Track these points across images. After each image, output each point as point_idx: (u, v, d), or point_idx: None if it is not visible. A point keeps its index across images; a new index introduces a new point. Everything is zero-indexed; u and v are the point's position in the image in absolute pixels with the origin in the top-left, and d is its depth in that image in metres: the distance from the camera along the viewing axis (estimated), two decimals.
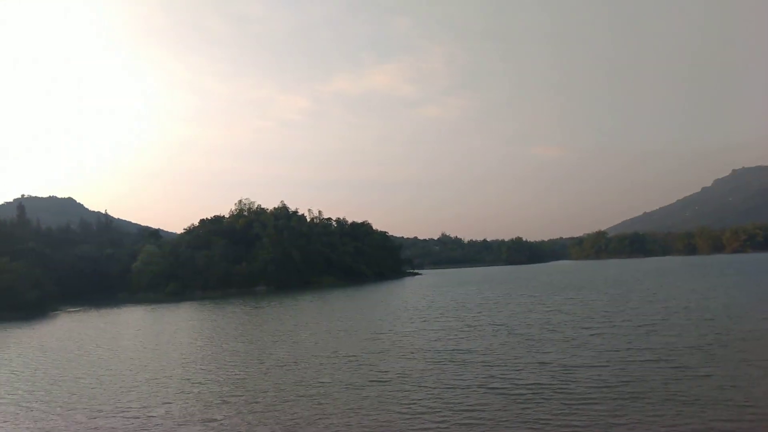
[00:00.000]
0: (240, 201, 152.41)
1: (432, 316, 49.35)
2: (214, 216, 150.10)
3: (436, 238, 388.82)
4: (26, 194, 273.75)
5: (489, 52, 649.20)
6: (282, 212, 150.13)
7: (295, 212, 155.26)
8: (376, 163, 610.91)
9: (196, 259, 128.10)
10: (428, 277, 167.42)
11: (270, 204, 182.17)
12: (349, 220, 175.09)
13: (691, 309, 43.02)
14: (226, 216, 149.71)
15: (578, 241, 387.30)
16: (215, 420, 19.22)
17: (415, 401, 20.13)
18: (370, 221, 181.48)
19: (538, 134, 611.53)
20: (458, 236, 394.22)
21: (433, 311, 53.52)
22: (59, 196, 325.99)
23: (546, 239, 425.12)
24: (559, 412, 17.92)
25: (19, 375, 30.97)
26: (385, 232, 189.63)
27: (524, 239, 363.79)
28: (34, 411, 22.07)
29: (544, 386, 21.20)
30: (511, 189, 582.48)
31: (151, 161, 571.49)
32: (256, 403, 21.29)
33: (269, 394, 22.54)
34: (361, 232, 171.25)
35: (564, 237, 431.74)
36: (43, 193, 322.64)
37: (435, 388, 21.92)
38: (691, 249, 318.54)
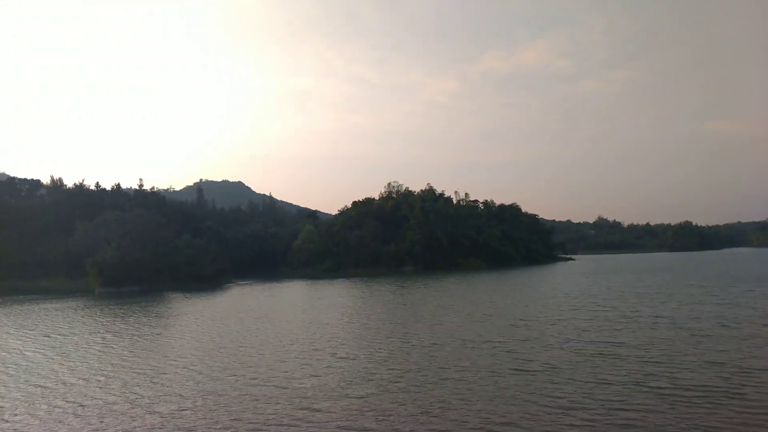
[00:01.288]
0: (389, 184, 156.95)
1: (584, 304, 46.29)
2: (365, 198, 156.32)
3: (591, 222, 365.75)
4: (204, 179, 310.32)
5: (657, 20, 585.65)
6: (429, 194, 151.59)
7: (442, 194, 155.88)
8: (528, 143, 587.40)
9: (348, 238, 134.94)
10: (582, 262, 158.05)
11: (417, 186, 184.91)
12: (497, 202, 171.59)
13: None
14: (376, 198, 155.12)
15: (761, 226, 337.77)
16: (360, 396, 19.81)
17: (562, 395, 18.86)
18: (519, 204, 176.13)
19: (712, 108, 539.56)
20: (617, 220, 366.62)
21: (586, 299, 50.18)
22: (231, 180, 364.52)
23: (721, 224, 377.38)
24: (734, 421, 15.56)
25: (192, 340, 35.01)
26: (535, 215, 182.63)
27: (694, 223, 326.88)
28: (197, 375, 24.66)
29: (714, 390, 18.62)
30: (679, 168, 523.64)
31: (309, 148, 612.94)
32: (398, 382, 21.56)
33: (411, 375, 22.73)
34: (509, 214, 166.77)
35: (743, 222, 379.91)
36: (218, 178, 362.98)
37: (585, 382, 20.37)
38: None
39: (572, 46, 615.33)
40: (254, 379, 23.12)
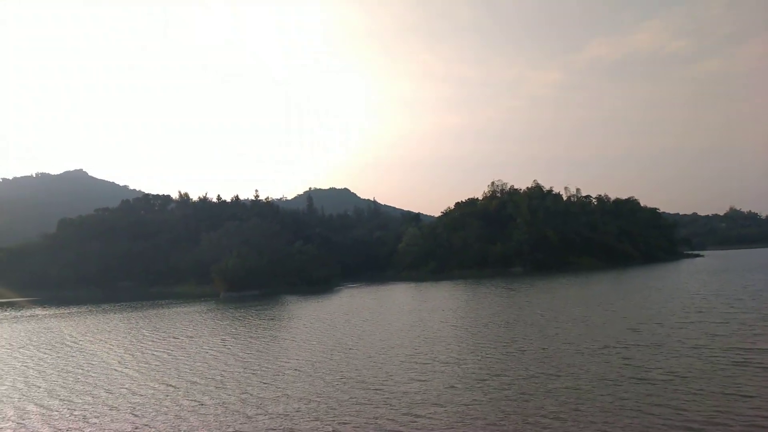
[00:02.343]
0: (492, 183, 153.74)
1: (714, 305, 41.86)
2: (468, 199, 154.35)
3: (722, 214, 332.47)
4: (312, 187, 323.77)
5: None
6: (536, 192, 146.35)
7: (550, 191, 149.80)
8: (643, 133, 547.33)
9: (452, 240, 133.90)
10: (711, 259, 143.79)
11: (523, 184, 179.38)
12: (612, 196, 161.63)
13: None
14: (480, 198, 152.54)
15: None
16: (464, 404, 19.24)
17: (689, 409, 17.04)
18: (636, 197, 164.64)
19: None
20: (752, 210, 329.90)
21: (716, 300, 45.36)
22: (337, 187, 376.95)
23: None
24: None
25: (303, 342, 36.16)
26: (655, 209, 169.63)
27: None
28: (306, 376, 25.33)
29: None
30: None
31: (410, 152, 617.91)
32: (505, 390, 20.68)
33: (519, 383, 21.74)
34: (625, 209, 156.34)
35: None
36: (325, 186, 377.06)
37: (719, 395, 18.25)
38: None
39: (690, 24, 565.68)
40: (360, 382, 23.38)
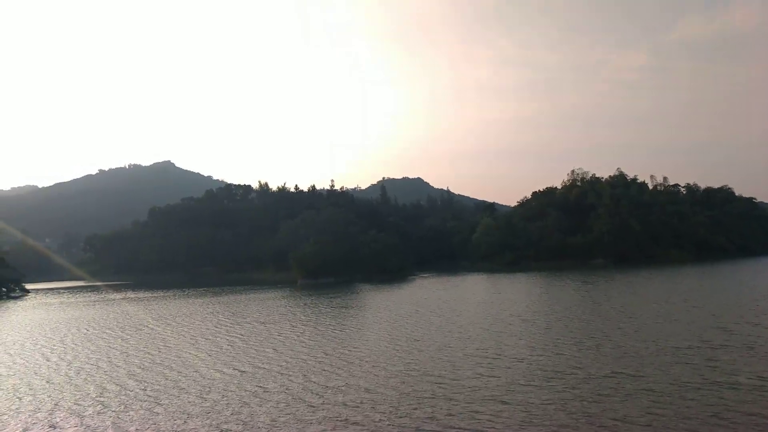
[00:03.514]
0: (572, 171, 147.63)
1: None
2: (547, 188, 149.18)
3: None
4: (386, 177, 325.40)
5: None
6: (619, 180, 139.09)
7: (634, 180, 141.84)
8: (737, 117, 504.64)
9: (529, 230, 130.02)
10: None
11: (605, 173, 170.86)
12: (702, 185, 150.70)
13: None
14: (559, 187, 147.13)
15: None
16: (529, 402, 18.37)
17: None
18: (730, 186, 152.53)
19: None
20: None
21: None
22: (410, 177, 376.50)
23: None
24: None
25: (370, 333, 36.29)
26: (752, 198, 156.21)
27: None
28: (370, 367, 25.22)
29: None
30: None
31: (485, 140, 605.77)
32: (575, 390, 19.57)
33: (591, 383, 20.51)
34: (718, 198, 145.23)
35: None
36: (399, 175, 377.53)
37: None
38: None
39: None
40: (424, 374, 22.97)
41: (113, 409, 19.93)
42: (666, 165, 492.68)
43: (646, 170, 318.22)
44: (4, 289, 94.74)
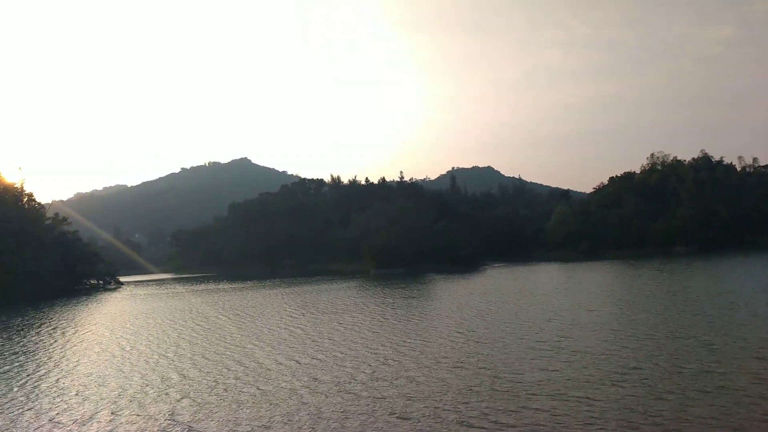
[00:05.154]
0: (652, 155, 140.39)
1: None
2: (624, 173, 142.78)
3: None
4: (455, 166, 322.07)
5: None
6: (703, 163, 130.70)
7: (720, 162, 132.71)
8: None
9: (606, 217, 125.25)
10: None
11: (688, 155, 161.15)
12: None
13: None
14: (637, 172, 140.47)
15: None
16: (594, 398, 17.38)
17: None
18: None
19: None
20: None
21: None
22: (480, 165, 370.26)
23: None
24: None
25: (438, 323, 36.11)
26: None
27: None
28: (427, 360, 25.01)
29: None
30: None
31: (558, 125, 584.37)
32: (640, 387, 18.37)
33: (666, 381, 19.19)
34: None
35: None
36: (468, 165, 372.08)
37: None
38: None
39: None
40: (480, 368, 22.43)
41: (171, 398, 20.85)
42: (757, 145, 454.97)
43: (733, 152, 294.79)
44: (100, 282, 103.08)
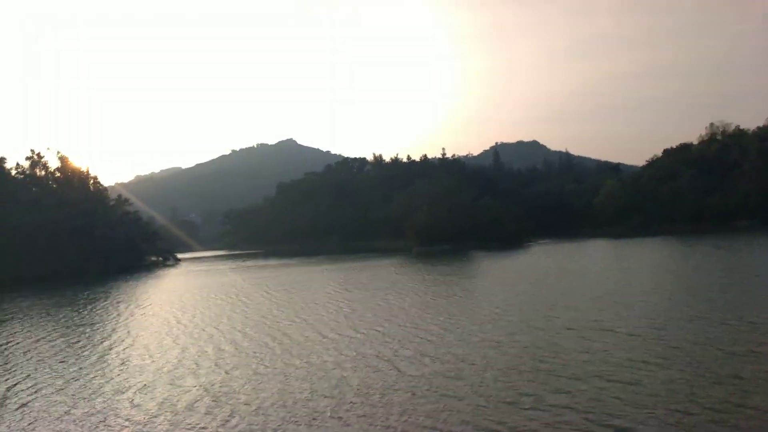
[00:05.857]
0: (711, 124, 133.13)
1: None
2: (680, 144, 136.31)
3: None
4: (499, 142, 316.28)
5: None
6: None
7: None
8: None
9: (660, 191, 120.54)
10: None
11: (752, 124, 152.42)
12: None
13: None
14: (695, 143, 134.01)
15: None
16: (638, 382, 16.93)
17: None
18: None
19: None
20: None
21: None
22: (525, 140, 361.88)
23: None
24: None
25: (471, 302, 36.18)
26: None
27: None
28: (472, 337, 25.10)
29: None
30: None
31: (607, 96, 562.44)
32: (695, 370, 17.95)
33: (714, 363, 18.62)
34: None
35: None
36: (512, 139, 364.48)
37: None
38: None
39: None
40: (527, 347, 21.99)
41: (224, 369, 21.77)
42: None
43: None
44: (160, 259, 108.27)
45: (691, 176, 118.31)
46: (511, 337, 24.03)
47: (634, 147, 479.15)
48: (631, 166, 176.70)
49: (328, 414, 16.16)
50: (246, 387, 19.23)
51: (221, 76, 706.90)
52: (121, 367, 23.37)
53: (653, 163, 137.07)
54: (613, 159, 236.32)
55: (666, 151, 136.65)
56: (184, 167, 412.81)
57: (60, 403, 18.74)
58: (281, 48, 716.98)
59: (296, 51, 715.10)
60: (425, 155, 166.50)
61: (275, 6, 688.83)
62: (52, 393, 19.92)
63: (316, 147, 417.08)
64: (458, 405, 16.08)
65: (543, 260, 64.55)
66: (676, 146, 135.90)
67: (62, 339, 30.78)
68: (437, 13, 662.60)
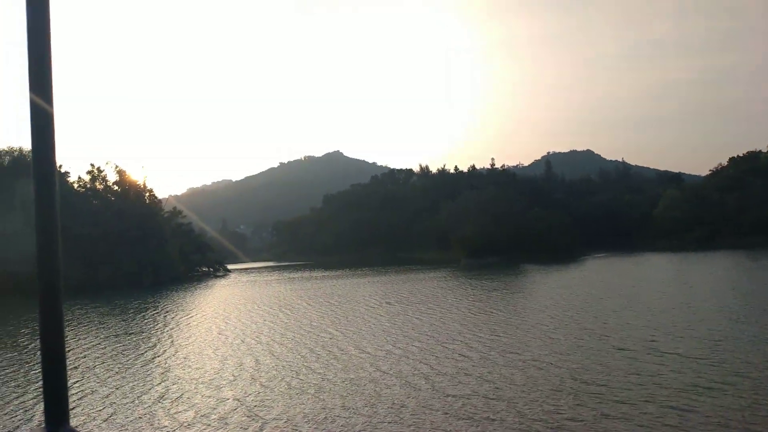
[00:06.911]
0: None
1: None
2: (748, 152, 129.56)
3: None
4: (551, 151, 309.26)
5: None
6: None
7: None
8: None
9: (725, 202, 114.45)
10: None
11: None
12: None
13: None
14: (764, 150, 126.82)
15: None
16: (692, 409, 15.97)
17: None
18: None
19: None
20: None
21: None
22: (579, 149, 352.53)
23: None
24: None
25: (530, 319, 35.11)
26: None
27: None
28: (515, 357, 24.17)
29: None
30: None
31: (665, 104, 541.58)
32: (757, 397, 16.68)
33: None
34: None
35: None
36: (565, 149, 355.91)
37: None
38: None
39: None
40: (571, 370, 21.17)
41: (260, 381, 21.53)
42: None
43: None
44: (210, 269, 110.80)
45: (759, 186, 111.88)
46: (558, 357, 22.83)
47: (694, 156, 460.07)
48: (695, 176, 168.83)
49: (358, 431, 15.61)
50: (280, 400, 18.91)
51: (269, 92, 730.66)
52: (162, 376, 23.54)
53: (718, 173, 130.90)
54: (674, 169, 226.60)
55: (732, 160, 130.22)
56: (234, 179, 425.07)
57: (102, 410, 18.94)
58: (326, 62, 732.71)
59: (341, 65, 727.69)
60: (473, 165, 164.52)
61: (321, 23, 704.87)
62: (97, 400, 20.21)
63: (362, 159, 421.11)
64: (496, 428, 15.19)
65: (596, 274, 62.01)
66: (743, 154, 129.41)
67: (110, 347, 31.47)
68: (488, 20, 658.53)
